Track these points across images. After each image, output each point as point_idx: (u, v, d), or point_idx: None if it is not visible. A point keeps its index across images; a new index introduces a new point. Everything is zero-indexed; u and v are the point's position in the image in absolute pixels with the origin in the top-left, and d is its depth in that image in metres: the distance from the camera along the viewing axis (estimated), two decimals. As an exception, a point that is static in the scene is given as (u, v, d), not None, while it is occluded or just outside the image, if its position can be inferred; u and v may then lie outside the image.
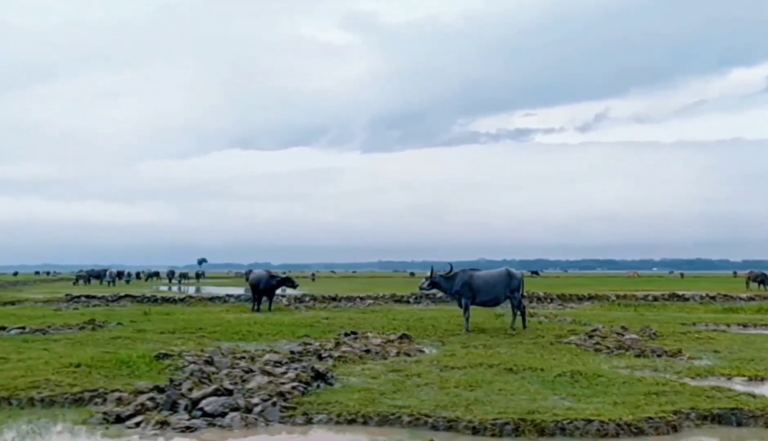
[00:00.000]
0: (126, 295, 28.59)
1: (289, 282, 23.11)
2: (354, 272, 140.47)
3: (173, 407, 7.81)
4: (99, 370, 10.01)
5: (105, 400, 8.31)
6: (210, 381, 8.92)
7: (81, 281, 55.64)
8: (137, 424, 7.34)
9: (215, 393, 7.87)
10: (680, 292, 31.26)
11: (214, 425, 7.34)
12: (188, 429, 7.20)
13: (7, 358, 11.14)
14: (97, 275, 57.55)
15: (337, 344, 12.67)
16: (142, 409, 7.68)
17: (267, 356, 10.58)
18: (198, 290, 43.93)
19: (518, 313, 16.00)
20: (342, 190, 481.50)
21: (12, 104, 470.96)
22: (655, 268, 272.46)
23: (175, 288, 49.24)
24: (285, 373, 9.28)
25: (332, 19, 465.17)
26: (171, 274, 64.18)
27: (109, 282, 52.84)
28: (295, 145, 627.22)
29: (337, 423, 7.44)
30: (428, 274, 16.39)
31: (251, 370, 9.44)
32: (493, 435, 6.94)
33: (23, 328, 15.71)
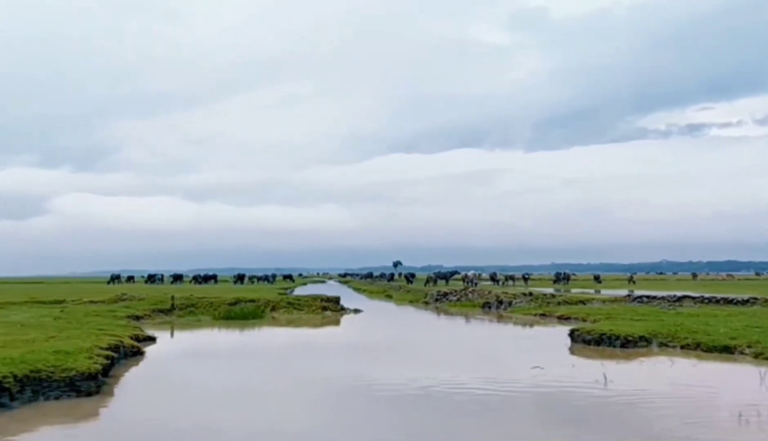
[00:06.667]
0: (685, 296, 30.82)
1: None
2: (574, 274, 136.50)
3: None
4: None
5: None
6: None
7: (431, 283, 60.36)
8: None
9: None
10: None
11: None
12: None
13: None
14: (444, 276, 62.22)
15: None
16: None
17: None
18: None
19: None
20: (507, 189, 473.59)
21: (198, 119, 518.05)
22: None
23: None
24: None
25: (500, 18, 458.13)
26: (494, 276, 67.77)
27: (469, 283, 56.90)
28: (457, 147, 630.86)
29: None
30: None
31: None
32: None
33: None
